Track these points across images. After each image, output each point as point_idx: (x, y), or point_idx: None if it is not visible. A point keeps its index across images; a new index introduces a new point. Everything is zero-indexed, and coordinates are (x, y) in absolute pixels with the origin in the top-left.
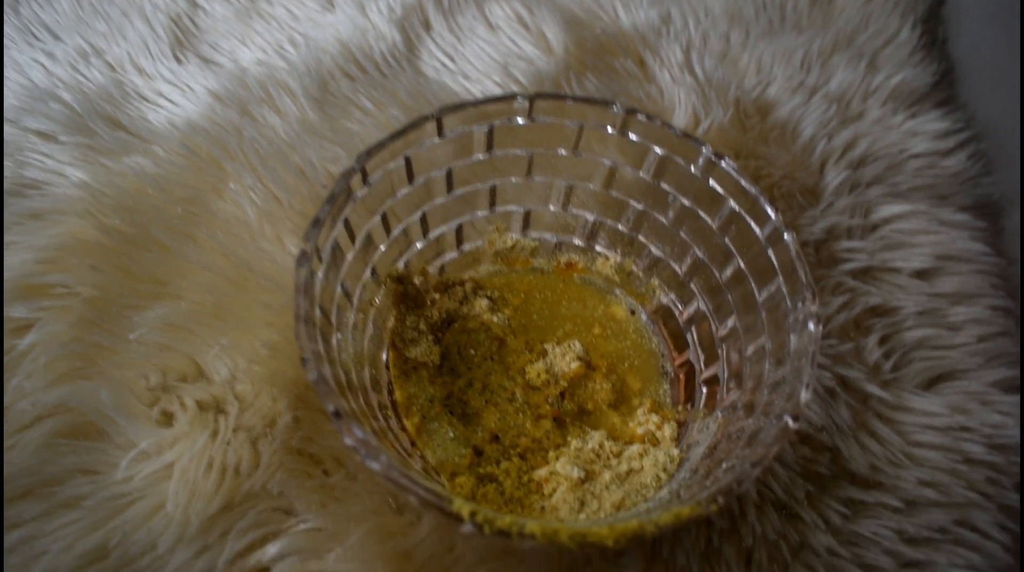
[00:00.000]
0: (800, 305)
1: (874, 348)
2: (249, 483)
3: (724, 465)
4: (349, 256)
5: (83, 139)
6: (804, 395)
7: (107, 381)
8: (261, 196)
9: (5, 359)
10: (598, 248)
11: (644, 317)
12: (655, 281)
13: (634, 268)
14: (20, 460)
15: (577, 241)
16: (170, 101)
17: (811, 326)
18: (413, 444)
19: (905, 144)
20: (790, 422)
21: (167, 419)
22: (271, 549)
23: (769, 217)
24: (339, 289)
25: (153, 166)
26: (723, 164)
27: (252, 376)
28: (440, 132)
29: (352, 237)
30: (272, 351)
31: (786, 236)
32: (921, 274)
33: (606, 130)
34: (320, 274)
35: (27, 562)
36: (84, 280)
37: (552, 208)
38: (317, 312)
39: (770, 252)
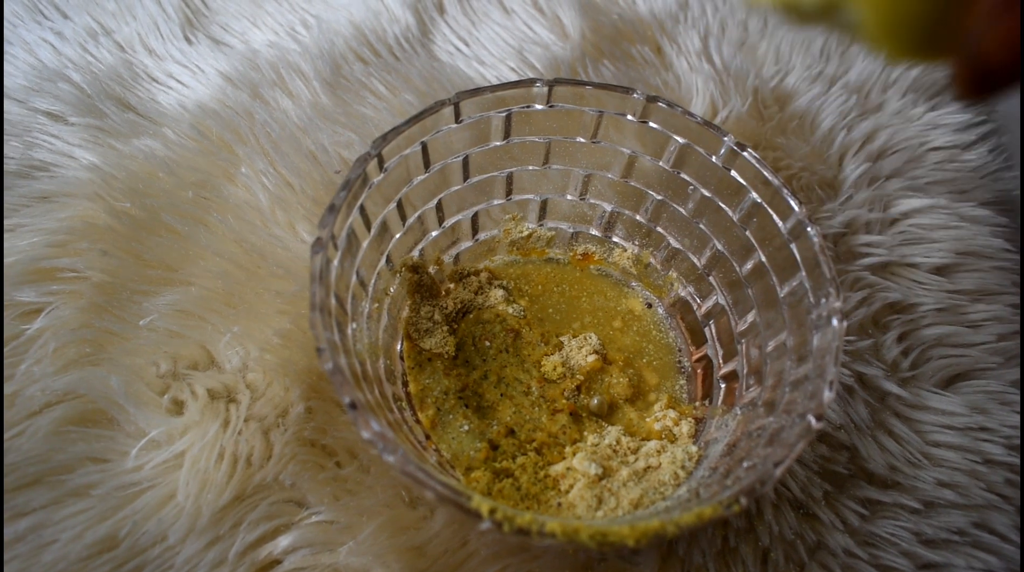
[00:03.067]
0: (824, 301)
1: (892, 345)
2: (261, 474)
3: (745, 464)
4: (364, 244)
5: (93, 120)
6: (827, 394)
7: (117, 368)
8: (273, 181)
9: (14, 344)
10: (615, 239)
11: (661, 310)
12: (673, 273)
13: (652, 260)
14: (29, 447)
15: (594, 231)
16: (180, 83)
17: (835, 323)
18: (428, 437)
19: (925, 137)
20: (813, 422)
21: (177, 407)
22: (283, 541)
23: (793, 209)
24: (354, 277)
25: (163, 149)
26: (746, 154)
27: (264, 365)
28: (457, 118)
29: (368, 224)
30: (284, 339)
31: (810, 230)
32: (940, 270)
33: (626, 118)
34: (335, 262)
35: (36, 551)
36: (94, 265)
37: (569, 197)
38: (332, 301)
39: (793, 246)
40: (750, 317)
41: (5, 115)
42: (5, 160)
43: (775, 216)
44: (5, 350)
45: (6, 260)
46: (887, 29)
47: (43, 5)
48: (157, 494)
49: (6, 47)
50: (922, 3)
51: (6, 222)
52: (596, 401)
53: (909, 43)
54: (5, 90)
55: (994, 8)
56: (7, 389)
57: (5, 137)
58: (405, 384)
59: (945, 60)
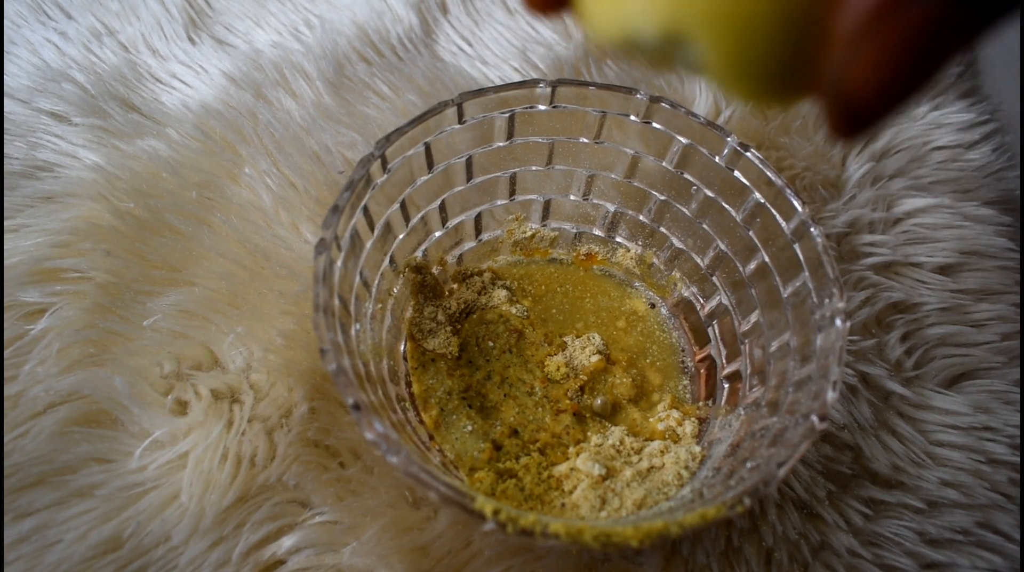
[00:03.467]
0: (827, 301)
1: (896, 345)
2: (264, 474)
3: (748, 464)
4: (368, 244)
5: (96, 121)
6: (831, 394)
7: (121, 368)
8: (276, 181)
9: (18, 344)
10: (619, 239)
11: (664, 310)
12: (676, 274)
13: (655, 260)
14: (33, 447)
15: (597, 231)
16: (184, 83)
17: (838, 323)
18: (431, 437)
19: (928, 136)
20: (817, 422)
21: (181, 408)
22: (286, 542)
23: (796, 210)
24: (358, 278)
25: (167, 149)
26: (749, 155)
27: (267, 365)
28: (461, 118)
29: (371, 225)
30: (288, 340)
31: (813, 230)
32: (944, 270)
33: (629, 118)
34: (339, 263)
35: (40, 551)
36: (97, 265)
37: (572, 197)
38: (336, 302)
39: (796, 246)
40: (753, 317)
41: (9, 115)
42: (9, 160)
43: (778, 216)
44: (9, 351)
45: (10, 260)
46: (736, 69)
47: (47, 5)
48: (161, 495)
49: (10, 47)
50: (774, 34)
51: (10, 222)
52: (600, 401)
53: (763, 84)
54: (9, 90)
55: (853, 34)
56: (11, 389)
57: (9, 137)
58: (409, 385)
59: (810, 98)
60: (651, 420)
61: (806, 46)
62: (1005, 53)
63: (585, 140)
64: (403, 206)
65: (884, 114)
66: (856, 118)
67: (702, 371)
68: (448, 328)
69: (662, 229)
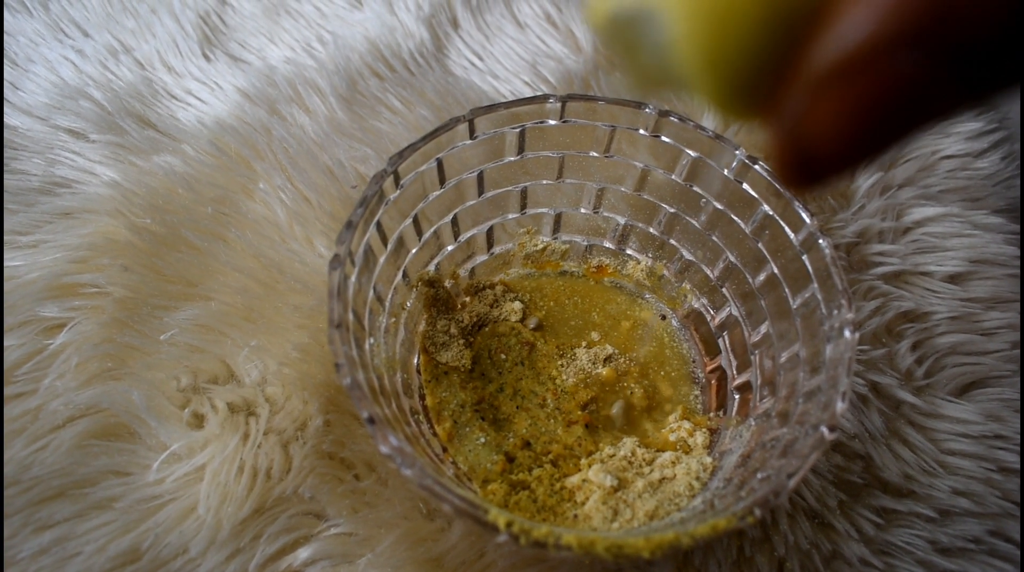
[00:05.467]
0: (836, 312)
1: (906, 354)
2: (280, 487)
3: (759, 475)
4: (381, 259)
5: (113, 138)
6: (840, 405)
7: (138, 382)
8: (290, 196)
9: (37, 359)
10: (629, 251)
11: (675, 322)
12: (687, 285)
13: (665, 272)
14: (53, 461)
15: (608, 244)
16: (199, 99)
17: (847, 334)
18: (445, 450)
19: (937, 145)
20: (826, 433)
21: (198, 421)
22: (302, 553)
23: (804, 221)
24: (372, 293)
25: (183, 165)
26: (757, 167)
27: (283, 378)
28: (472, 134)
29: (384, 240)
30: (303, 353)
31: (821, 241)
32: (954, 278)
33: (638, 132)
34: (353, 278)
35: (60, 563)
36: (115, 280)
37: (583, 211)
38: (350, 316)
39: (805, 258)
40: (763, 328)
41: (27, 132)
42: (28, 177)
43: (787, 228)
44: (29, 365)
45: (29, 276)
46: (700, 48)
47: (64, 24)
48: (178, 507)
49: (28, 65)
50: (746, 25)
51: (29, 238)
52: (616, 408)
53: (727, 77)
54: (27, 107)
55: (821, 74)
56: (31, 403)
57: (28, 154)
58: (422, 397)
59: (767, 123)
60: (662, 431)
61: (776, 56)
62: None
63: (595, 154)
64: (416, 221)
65: (838, 170)
66: (807, 167)
67: (713, 382)
68: (461, 341)
69: (672, 241)
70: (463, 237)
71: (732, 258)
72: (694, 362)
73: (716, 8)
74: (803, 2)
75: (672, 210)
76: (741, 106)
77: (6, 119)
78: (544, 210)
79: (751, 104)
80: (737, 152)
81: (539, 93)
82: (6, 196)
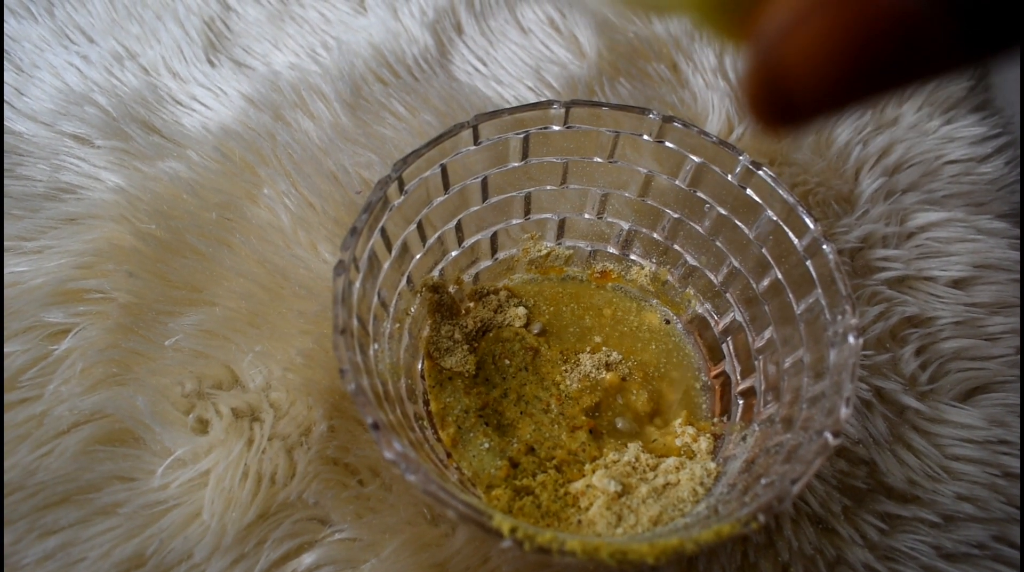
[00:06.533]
0: (840, 318)
1: (910, 359)
2: (284, 492)
3: (763, 481)
4: (386, 265)
5: (118, 143)
6: (844, 410)
7: (143, 388)
8: (295, 202)
9: (42, 364)
10: (633, 257)
11: (679, 327)
12: (690, 291)
13: (669, 277)
14: (58, 466)
15: (612, 249)
16: (204, 105)
17: (851, 340)
18: (449, 455)
19: (941, 150)
20: (830, 438)
21: (203, 426)
22: (306, 559)
23: (808, 227)
24: (376, 298)
25: (187, 171)
26: (761, 173)
27: (287, 384)
28: (476, 140)
29: (388, 246)
30: (307, 359)
31: (825, 247)
32: (958, 283)
33: (642, 138)
34: (357, 284)
35: (65, 568)
36: (120, 286)
37: (587, 216)
38: (355, 322)
39: (808, 263)
40: (767, 334)
41: (33, 138)
42: (33, 183)
43: (791, 233)
44: (34, 370)
45: (34, 281)
46: None
47: (69, 30)
48: (183, 512)
49: (33, 71)
50: None
51: (34, 244)
52: (621, 424)
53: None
54: (32, 113)
55: (799, 5)
56: (36, 409)
57: (33, 160)
58: (426, 403)
59: (742, 44)
60: (667, 436)
61: None
62: (1016, 65)
63: (599, 159)
64: (420, 227)
65: (813, 110)
66: (780, 101)
67: (717, 387)
68: (465, 346)
69: (676, 246)
70: (467, 242)
71: (736, 263)
72: (698, 368)
73: None
74: None
75: (676, 215)
76: (725, 20)
77: (12, 125)
78: (548, 215)
79: (735, 18)
80: (741, 158)
81: (543, 99)
82: (11, 202)
